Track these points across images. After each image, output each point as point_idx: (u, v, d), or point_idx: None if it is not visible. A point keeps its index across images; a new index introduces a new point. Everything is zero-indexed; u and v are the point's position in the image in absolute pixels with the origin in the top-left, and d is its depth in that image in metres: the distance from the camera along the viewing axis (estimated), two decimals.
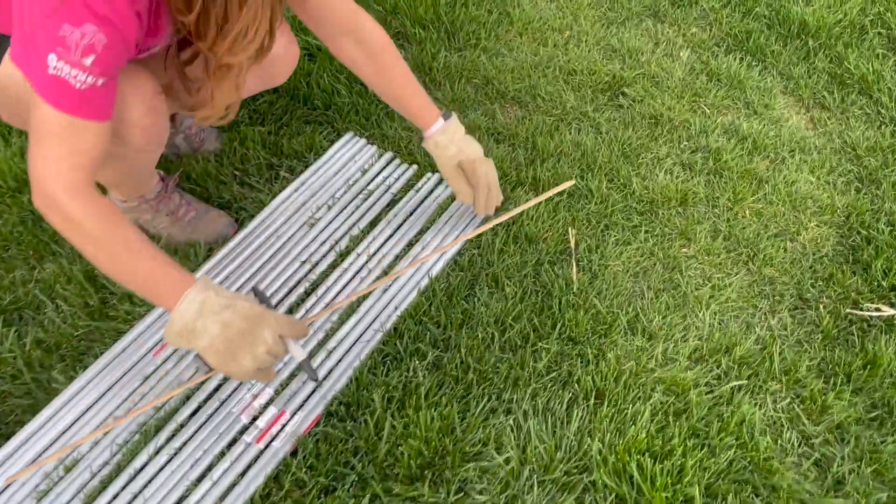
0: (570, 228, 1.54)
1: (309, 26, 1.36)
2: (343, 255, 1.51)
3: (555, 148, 1.70)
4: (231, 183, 1.60)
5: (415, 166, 1.68)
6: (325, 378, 1.31)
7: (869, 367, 1.34)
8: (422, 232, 1.56)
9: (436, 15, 1.94)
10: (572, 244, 1.51)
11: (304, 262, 1.50)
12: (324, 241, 1.53)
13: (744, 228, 1.57)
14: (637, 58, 1.94)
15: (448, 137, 1.41)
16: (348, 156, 1.69)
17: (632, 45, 1.97)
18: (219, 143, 1.67)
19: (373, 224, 1.57)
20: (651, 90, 1.86)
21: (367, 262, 1.50)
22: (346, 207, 1.60)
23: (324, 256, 1.51)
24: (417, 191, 1.64)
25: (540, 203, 1.56)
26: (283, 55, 1.43)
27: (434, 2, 1.95)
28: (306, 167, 1.66)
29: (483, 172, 1.44)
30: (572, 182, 1.44)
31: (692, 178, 1.67)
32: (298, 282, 1.46)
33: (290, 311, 1.41)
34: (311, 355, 1.34)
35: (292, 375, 1.32)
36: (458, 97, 1.82)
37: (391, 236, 1.55)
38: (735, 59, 1.96)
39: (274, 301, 1.43)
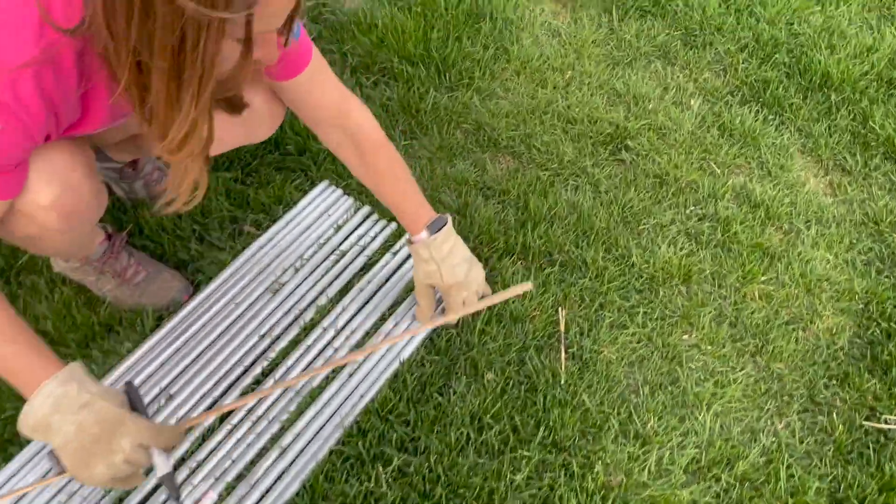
0: (560, 309, 1.39)
1: (290, 107, 1.22)
2: (307, 329, 1.36)
3: (548, 209, 1.54)
4: (189, 238, 1.45)
5: (394, 224, 1.53)
6: (275, 482, 1.17)
7: (885, 491, 1.20)
8: (396, 304, 1.41)
9: (426, 50, 1.78)
10: (562, 328, 1.36)
11: (263, 336, 1.35)
12: (287, 311, 1.38)
13: (752, 314, 1.42)
14: (643, 105, 1.79)
15: (430, 252, 1.26)
16: (322, 208, 1.54)
17: (638, 91, 1.81)
18: None
19: (343, 292, 1.42)
20: (657, 144, 1.71)
21: (333, 337, 1.35)
22: (315, 270, 1.45)
23: (286, 329, 1.36)
24: (395, 254, 1.48)
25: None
26: (264, 112, 1.27)
27: (424, 36, 1.79)
28: (274, 221, 1.50)
29: (458, 301, 1.29)
30: (529, 287, 1.31)
31: (698, 250, 1.52)
32: (256, 360, 1.32)
33: (243, 394, 1.26)
34: (265, 450, 1.20)
35: (240, 476, 1.17)
36: (445, 144, 1.66)
37: (362, 307, 1.40)
38: (750, 111, 1.80)
39: (228, 380, 1.28)
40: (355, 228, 1.52)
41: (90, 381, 0.95)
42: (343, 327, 1.36)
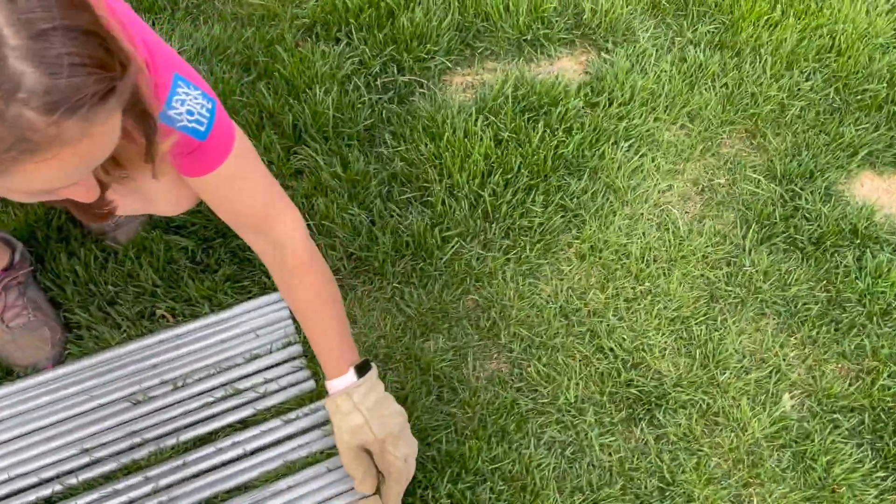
0: None
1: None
2: (127, 471, 1.13)
3: (492, 460, 1.16)
4: (95, 298, 1.28)
5: (311, 383, 1.24)
6: None
7: None
8: (245, 489, 1.13)
9: (481, 187, 1.44)
10: None
11: (84, 451, 1.14)
12: (128, 434, 1.17)
13: None
14: (714, 372, 1.30)
15: (353, 403, 1.02)
16: (255, 325, 1.29)
17: (721, 349, 1.33)
18: (128, 238, 1.34)
19: (199, 442, 1.17)
20: (697, 436, 1.24)
21: (144, 496, 1.11)
22: (192, 398, 1.21)
23: (113, 456, 1.14)
24: (287, 422, 1.20)
25: None
26: (162, 191, 1.06)
27: (482, 174, 1.44)
28: (194, 318, 1.28)
29: (399, 457, 1.04)
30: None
31: None
32: (53, 478, 1.11)
33: None
34: None
35: None
36: (439, 308, 1.32)
37: (201, 475, 1.14)
38: (858, 448, 1.24)
39: (12, 487, 1.10)
40: (270, 367, 1.26)
41: None
42: (161, 490, 1.12)
